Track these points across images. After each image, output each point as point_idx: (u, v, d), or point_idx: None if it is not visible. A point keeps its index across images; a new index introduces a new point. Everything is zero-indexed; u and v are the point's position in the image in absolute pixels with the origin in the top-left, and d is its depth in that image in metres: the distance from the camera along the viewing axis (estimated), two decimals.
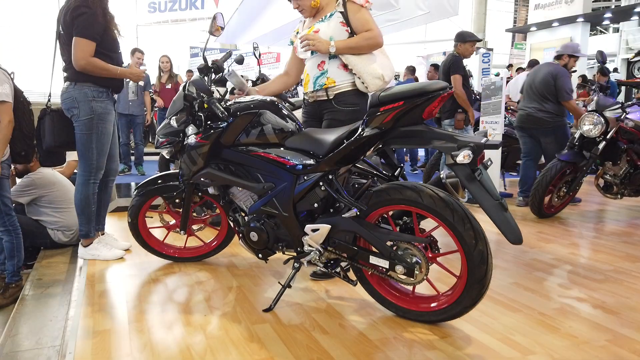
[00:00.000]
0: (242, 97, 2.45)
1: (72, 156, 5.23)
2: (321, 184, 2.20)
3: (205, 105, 2.35)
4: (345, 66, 2.59)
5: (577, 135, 4.31)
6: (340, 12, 2.59)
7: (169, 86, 6.91)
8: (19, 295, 3.27)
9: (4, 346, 2.42)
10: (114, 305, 2.41)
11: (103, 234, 3.47)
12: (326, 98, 2.64)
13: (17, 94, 3.22)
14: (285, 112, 2.38)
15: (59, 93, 3.14)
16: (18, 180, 3.98)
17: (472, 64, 5.11)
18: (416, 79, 8.06)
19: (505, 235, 1.88)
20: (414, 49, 16.66)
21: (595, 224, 4.26)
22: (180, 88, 2.51)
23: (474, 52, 5.03)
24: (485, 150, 1.88)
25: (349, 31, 2.58)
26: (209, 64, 2.58)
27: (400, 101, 1.93)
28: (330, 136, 2.16)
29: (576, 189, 4.39)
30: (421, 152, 8.33)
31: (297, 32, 2.89)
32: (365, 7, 2.57)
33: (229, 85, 2.84)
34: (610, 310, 2.41)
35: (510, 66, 14.80)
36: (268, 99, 2.41)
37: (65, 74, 3.09)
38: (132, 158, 7.20)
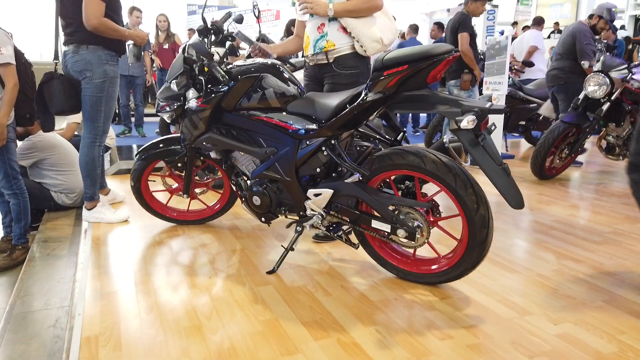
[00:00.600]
0: (243, 60, 2.41)
1: (71, 118, 5.22)
2: (323, 148, 2.20)
3: (206, 69, 2.32)
4: (344, 29, 2.54)
5: (581, 97, 4.26)
6: None
7: (166, 46, 6.79)
8: (25, 256, 3.33)
9: (13, 307, 2.48)
10: (120, 267, 2.45)
11: (107, 192, 3.53)
12: (326, 62, 2.61)
13: (18, 56, 3.17)
14: (287, 75, 2.35)
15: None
16: (19, 143, 3.97)
17: (476, 21, 5.00)
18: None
19: (507, 200, 1.89)
20: (417, 5, 16.25)
21: (596, 186, 4.28)
22: (180, 50, 2.46)
23: (484, 12, 4.92)
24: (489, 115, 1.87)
25: None
26: (209, 25, 2.53)
27: (405, 65, 1.90)
28: (333, 101, 2.14)
29: (578, 151, 4.38)
30: (423, 114, 8.27)
31: None
32: None
33: (229, 44, 2.80)
34: (607, 272, 2.45)
35: (515, 24, 14.48)
36: (270, 62, 2.38)
37: (69, 37, 3.06)
38: (133, 120, 7.16)
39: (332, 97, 2.18)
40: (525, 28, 10.55)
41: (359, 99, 2.03)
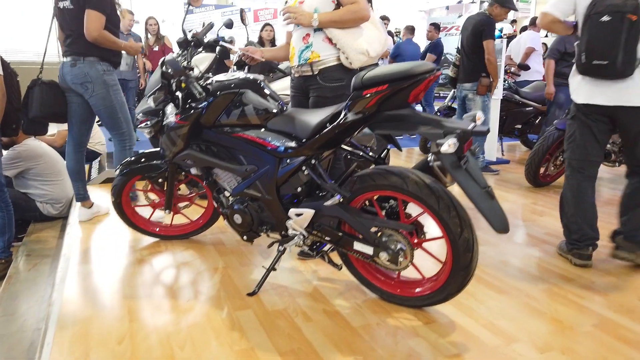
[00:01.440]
0: (224, 75, 2.34)
1: (63, 125, 5.15)
2: (304, 168, 2.13)
3: (183, 85, 2.25)
4: (330, 40, 2.47)
5: None
6: None
7: (156, 48, 6.71)
8: (7, 271, 3.27)
9: None
10: (97, 288, 2.38)
11: (90, 205, 3.51)
12: (311, 73, 2.54)
13: (4, 66, 3.10)
14: (267, 91, 2.28)
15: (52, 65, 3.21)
16: (4, 153, 3.91)
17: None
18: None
19: (492, 225, 1.81)
20: (415, 2, 16.12)
21: None
22: (159, 64, 2.39)
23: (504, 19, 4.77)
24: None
25: (336, 2, 2.45)
26: (189, 37, 2.46)
27: (385, 84, 1.83)
28: (313, 119, 2.06)
29: None
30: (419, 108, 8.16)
31: (286, 2, 2.75)
32: None
33: (219, 49, 2.76)
34: (598, 291, 2.38)
35: (514, 21, 14.34)
36: (251, 77, 2.30)
37: (67, 49, 3.18)
38: None
39: (312, 115, 2.11)
40: (524, 28, 10.43)
41: (339, 119, 1.96)
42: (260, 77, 2.33)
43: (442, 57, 8.47)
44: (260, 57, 2.61)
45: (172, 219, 2.99)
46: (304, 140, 2.07)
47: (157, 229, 2.97)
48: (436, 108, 7.41)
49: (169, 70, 2.27)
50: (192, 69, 2.41)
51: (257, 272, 2.55)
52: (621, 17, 2.27)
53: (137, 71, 6.74)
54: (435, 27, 7.66)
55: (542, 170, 4.29)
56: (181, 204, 2.93)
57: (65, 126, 5.10)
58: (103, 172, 4.51)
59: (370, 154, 2.25)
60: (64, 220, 3.93)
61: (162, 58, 2.36)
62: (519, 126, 5.88)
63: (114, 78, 3.27)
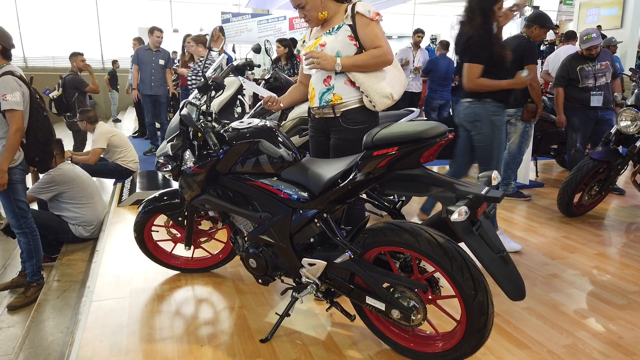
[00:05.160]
0: (239, 123, 2.35)
1: (96, 143, 5.32)
2: (316, 220, 2.11)
3: (199, 134, 2.27)
4: (352, 82, 2.44)
5: (613, 131, 4.01)
6: (349, 25, 2.42)
7: (191, 65, 6.83)
8: (39, 294, 3.40)
9: None
10: (115, 329, 2.43)
11: None
12: (333, 115, 2.52)
13: (32, 99, 3.22)
14: (282, 139, 2.28)
15: None
16: (41, 176, 4.06)
17: (509, 27, 4.38)
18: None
19: (506, 293, 1.75)
20: (453, 8, 15.83)
21: (628, 228, 4.01)
22: (177, 112, 2.43)
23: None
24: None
25: (357, 45, 2.42)
26: (209, 82, 2.48)
27: (395, 147, 1.80)
28: (326, 173, 2.05)
29: (609, 188, 4.13)
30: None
31: (304, 41, 2.74)
32: (376, 20, 2.39)
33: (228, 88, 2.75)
34: (625, 350, 2.27)
35: (557, 27, 13.84)
36: (267, 125, 2.31)
37: None
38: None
39: (325, 169, 2.09)
40: (567, 36, 10.05)
41: (350, 177, 1.93)
42: (274, 125, 2.33)
43: None
44: (279, 108, 2.61)
45: (193, 253, 3.04)
46: (316, 194, 2.06)
47: (179, 262, 3.02)
48: None
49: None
50: (211, 114, 2.43)
51: (272, 314, 2.56)
52: None
53: (167, 87, 6.90)
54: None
55: (576, 199, 4.13)
56: (201, 239, 2.97)
57: (99, 144, 5.30)
58: (133, 194, 4.62)
59: (385, 203, 2.22)
60: (94, 242, 4.05)
61: (183, 102, 2.39)
62: (555, 146, 5.69)
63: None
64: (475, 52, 3.12)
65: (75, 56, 6.62)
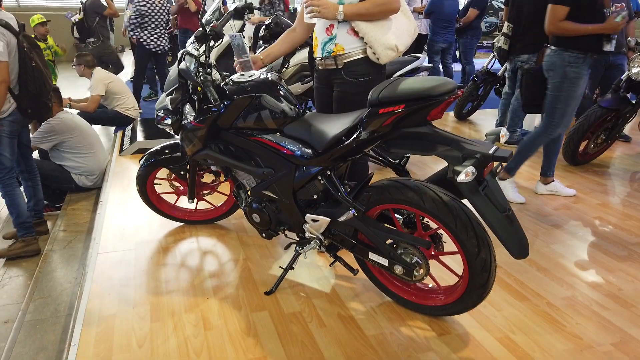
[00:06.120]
0: (239, 75, 2.27)
1: (94, 90, 5.22)
2: (319, 177, 2.09)
3: (199, 88, 2.20)
4: (356, 32, 2.34)
5: (623, 77, 3.90)
6: None
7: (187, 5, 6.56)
8: (22, 251, 3.36)
9: (25, 313, 2.58)
10: (122, 280, 2.47)
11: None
12: (335, 67, 2.44)
13: (20, 49, 3.08)
14: (284, 93, 2.21)
15: None
16: (42, 125, 4.00)
17: None
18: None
19: (510, 251, 1.76)
20: None
21: (632, 176, 3.99)
22: (175, 64, 2.34)
23: None
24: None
25: None
26: (207, 30, 2.38)
27: (402, 104, 1.74)
28: (329, 130, 2.00)
29: (616, 136, 4.07)
30: (457, 68, 7.77)
31: None
32: None
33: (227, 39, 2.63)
34: (624, 302, 2.31)
35: None
36: (269, 78, 2.23)
37: None
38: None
39: (329, 125, 2.04)
40: None
41: (354, 135, 1.89)
42: (278, 78, 2.26)
43: (488, 4, 7.84)
44: (260, 66, 2.52)
45: (197, 205, 3.04)
46: (319, 151, 2.02)
47: (182, 214, 3.03)
48: (477, 67, 7.03)
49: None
50: (210, 65, 2.35)
51: (276, 267, 2.59)
52: None
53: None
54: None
55: (581, 147, 4.09)
56: (204, 192, 2.96)
57: (97, 90, 5.19)
58: (135, 142, 4.57)
59: (390, 159, 2.19)
60: (98, 191, 4.06)
61: (180, 52, 2.30)
62: None
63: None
64: None
65: None
